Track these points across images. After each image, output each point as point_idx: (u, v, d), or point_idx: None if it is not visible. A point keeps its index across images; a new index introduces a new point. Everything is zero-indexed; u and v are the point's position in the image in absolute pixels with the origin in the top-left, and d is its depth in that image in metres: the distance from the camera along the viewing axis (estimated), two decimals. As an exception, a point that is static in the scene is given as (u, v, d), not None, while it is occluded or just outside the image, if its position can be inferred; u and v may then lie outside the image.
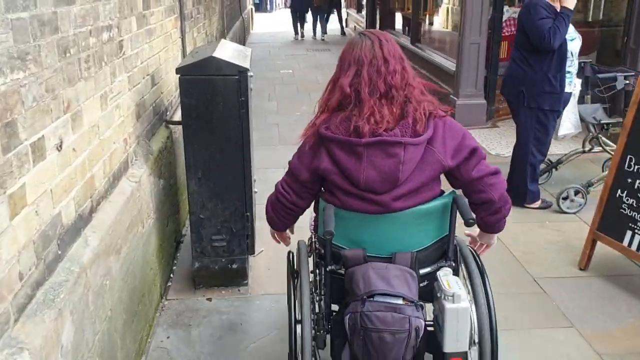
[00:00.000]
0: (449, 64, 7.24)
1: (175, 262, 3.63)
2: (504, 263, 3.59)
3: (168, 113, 3.94)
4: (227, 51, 3.24)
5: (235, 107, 3.00)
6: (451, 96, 6.79)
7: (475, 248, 2.31)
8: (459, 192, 2.09)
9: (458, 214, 2.05)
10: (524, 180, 4.30)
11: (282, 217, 2.26)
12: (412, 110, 1.97)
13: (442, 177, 2.09)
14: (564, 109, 4.22)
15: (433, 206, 2.05)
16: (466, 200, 2.03)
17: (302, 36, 15.84)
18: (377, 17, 12.22)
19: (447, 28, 8.08)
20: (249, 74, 3.01)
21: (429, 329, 2.01)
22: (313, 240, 2.37)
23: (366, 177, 1.96)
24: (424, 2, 9.30)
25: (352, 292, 1.96)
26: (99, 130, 2.39)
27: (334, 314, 2.17)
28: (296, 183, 2.14)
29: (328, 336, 2.16)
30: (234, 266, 3.22)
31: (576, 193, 4.25)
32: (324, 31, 15.64)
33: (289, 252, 2.48)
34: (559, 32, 3.89)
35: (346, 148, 1.98)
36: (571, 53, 4.06)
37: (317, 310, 2.20)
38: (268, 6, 28.63)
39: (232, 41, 9.58)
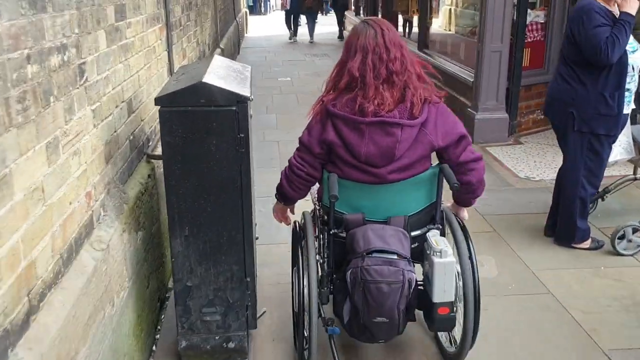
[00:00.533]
0: (465, 74, 6.58)
1: (159, 328, 2.94)
2: (564, 329, 2.92)
3: (150, 144, 3.26)
4: (221, 72, 2.55)
5: (232, 146, 2.32)
6: (468, 109, 6.14)
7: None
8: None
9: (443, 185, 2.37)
10: (572, 216, 3.63)
11: (297, 189, 2.45)
12: (410, 95, 2.23)
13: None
14: (620, 132, 3.56)
15: (423, 175, 2.34)
16: (450, 170, 2.31)
17: (295, 34, 15.42)
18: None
19: (460, 33, 7.43)
20: (250, 101, 2.34)
21: (420, 287, 2.36)
22: (317, 208, 2.59)
23: (367, 151, 2.24)
24: (432, 4, 8.64)
25: (353, 250, 2.24)
26: (43, 194, 1.71)
27: (336, 275, 2.42)
28: (309, 155, 2.37)
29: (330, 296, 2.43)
30: (231, 345, 2.54)
31: (634, 231, 3.59)
32: (311, 34, 15.21)
33: (294, 222, 2.68)
34: (618, 42, 3.24)
35: (351, 125, 2.25)
36: (632, 67, 3.40)
37: (320, 271, 2.44)
38: (262, 8, 27.94)
39: (227, 48, 8.94)
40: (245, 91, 2.36)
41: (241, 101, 2.30)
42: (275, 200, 2.63)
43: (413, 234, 2.40)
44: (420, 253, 2.41)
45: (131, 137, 2.81)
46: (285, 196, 2.54)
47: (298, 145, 2.41)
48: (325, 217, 2.44)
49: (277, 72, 10.53)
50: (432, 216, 2.46)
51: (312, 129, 2.36)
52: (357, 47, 2.26)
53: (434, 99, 2.29)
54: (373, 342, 2.42)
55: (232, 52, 10.74)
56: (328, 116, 2.30)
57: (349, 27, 16.67)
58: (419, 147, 2.27)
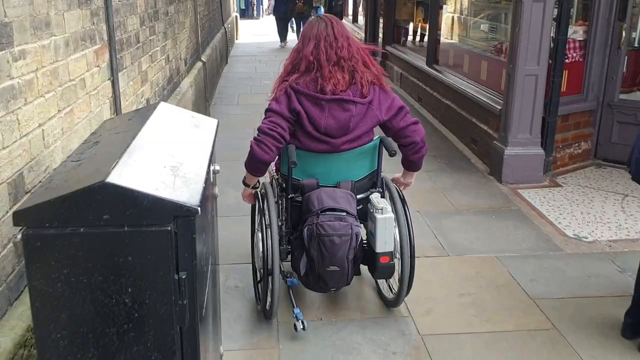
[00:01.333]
0: (487, 97, 5.52)
1: None
2: None
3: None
4: (153, 152, 1.47)
5: (165, 297, 1.24)
6: (495, 142, 5.08)
7: (400, 185, 3.01)
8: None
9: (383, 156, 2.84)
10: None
11: (269, 150, 2.59)
12: (358, 77, 2.66)
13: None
14: None
15: (367, 146, 2.78)
16: (390, 139, 2.77)
17: (285, 40, 14.52)
18: (380, 29, 10.48)
19: (480, 49, 6.38)
20: (214, 194, 1.26)
21: (364, 244, 2.81)
22: (276, 178, 2.94)
23: (326, 124, 2.64)
24: (444, 14, 7.59)
25: (309, 210, 2.64)
26: None
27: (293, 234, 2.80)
28: (280, 119, 2.63)
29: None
30: None
31: None
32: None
33: (255, 191, 2.91)
34: None
35: (313, 100, 2.63)
36: None
37: (279, 231, 2.76)
38: (255, 12, 26.86)
39: (211, 59, 7.75)
40: (193, 194, 1.27)
41: (184, 215, 1.22)
42: (244, 186, 2.85)
43: (358, 196, 2.79)
44: (365, 214, 2.81)
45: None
46: (257, 161, 2.64)
47: (267, 114, 2.66)
48: (284, 185, 2.78)
49: (268, 86, 9.40)
50: (374, 182, 2.90)
51: (280, 100, 2.65)
52: (310, 36, 2.67)
53: (377, 81, 2.71)
54: (326, 291, 2.85)
55: (219, 63, 9.64)
56: (293, 92, 2.63)
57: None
58: (367, 121, 2.68)
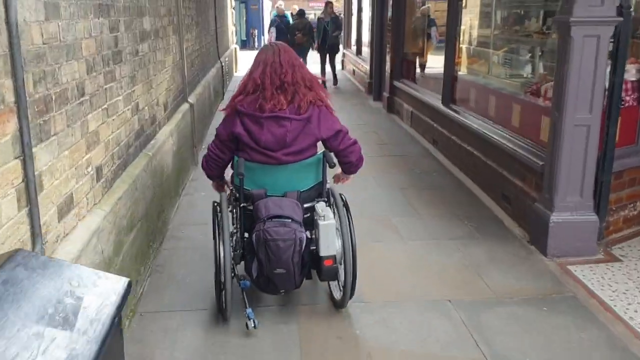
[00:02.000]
0: (524, 149, 4.61)
1: None
2: None
3: None
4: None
5: None
6: (536, 205, 4.15)
7: (340, 181, 3.43)
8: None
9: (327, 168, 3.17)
10: None
11: (213, 168, 3.21)
12: (298, 99, 3.00)
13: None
14: None
15: (310, 160, 3.11)
16: (331, 154, 3.13)
17: None
18: (387, 63, 9.63)
19: (510, 89, 5.50)
20: None
21: (313, 249, 3.01)
22: (231, 189, 3.28)
23: (265, 139, 2.98)
24: (461, 46, 6.74)
25: (257, 217, 2.92)
26: None
27: (245, 239, 3.09)
28: (220, 142, 3.12)
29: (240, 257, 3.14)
30: None
31: None
32: None
33: (213, 202, 3.31)
34: None
35: (253, 119, 2.99)
36: None
37: (234, 238, 3.14)
38: (255, 43, 26.27)
39: (201, 100, 6.72)
40: None
41: None
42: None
43: (305, 205, 3.11)
44: (312, 222, 3.09)
45: None
46: (207, 174, 3.29)
47: (215, 136, 3.16)
48: (237, 195, 3.11)
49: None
50: (319, 192, 3.23)
51: (226, 122, 3.11)
52: (259, 61, 3.08)
53: (318, 103, 3.06)
54: (276, 293, 3.13)
55: (213, 101, 8.79)
56: (237, 113, 3.03)
57: (348, 65, 14.84)
58: (306, 137, 3.04)
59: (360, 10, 14.64)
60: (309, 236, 3.02)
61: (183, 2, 6.23)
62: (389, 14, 9.43)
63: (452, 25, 6.63)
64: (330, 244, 2.97)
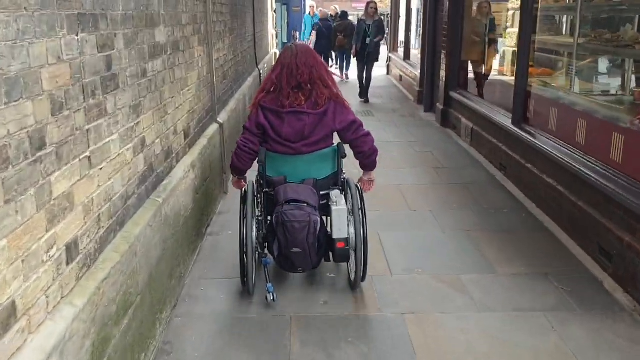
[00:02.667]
0: (633, 194, 3.59)
1: None
2: None
3: None
4: None
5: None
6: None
7: (362, 186, 3.63)
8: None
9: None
10: None
11: (243, 161, 3.47)
12: (315, 96, 3.33)
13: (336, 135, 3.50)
14: None
15: (326, 150, 3.44)
16: (344, 146, 3.47)
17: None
18: (442, 70, 8.60)
19: (610, 113, 4.45)
20: None
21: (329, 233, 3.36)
22: (258, 178, 3.54)
23: (286, 132, 3.33)
24: (536, 54, 5.69)
25: (277, 201, 3.26)
26: None
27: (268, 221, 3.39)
28: (250, 135, 3.42)
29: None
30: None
31: None
32: (346, 70, 14.32)
33: (243, 188, 3.61)
34: None
35: (274, 113, 3.35)
36: None
37: (259, 219, 3.45)
38: (298, 45, 25.49)
39: (234, 117, 5.94)
40: None
41: None
42: (232, 176, 3.71)
43: (322, 193, 3.42)
44: (327, 209, 3.39)
45: None
46: (236, 169, 3.55)
47: (243, 131, 3.47)
48: (262, 181, 3.47)
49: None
50: (335, 181, 3.53)
51: (251, 118, 3.44)
52: (279, 63, 3.42)
53: (334, 98, 3.37)
54: (295, 271, 3.40)
55: (247, 114, 7.96)
56: (261, 109, 3.38)
57: (394, 69, 13.81)
58: (323, 129, 3.36)
59: (409, 10, 13.62)
60: (324, 220, 3.36)
61: (214, 6, 5.41)
62: (445, 14, 8.41)
63: (525, 30, 5.60)
64: (342, 227, 3.27)
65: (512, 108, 5.79)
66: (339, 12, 14.50)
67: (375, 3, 11.06)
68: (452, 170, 6.24)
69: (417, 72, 10.77)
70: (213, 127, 5.04)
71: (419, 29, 11.84)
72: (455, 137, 7.86)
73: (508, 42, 6.80)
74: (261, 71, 9.75)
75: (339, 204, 3.28)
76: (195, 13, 4.52)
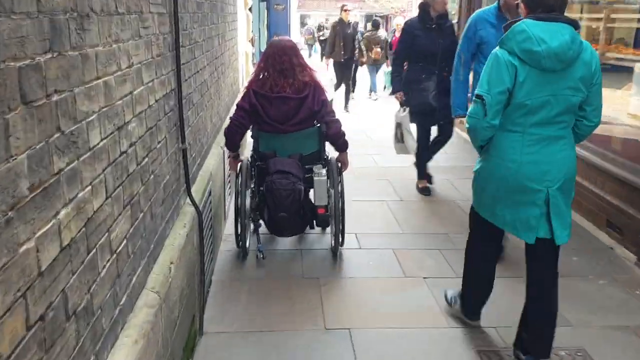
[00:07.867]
0: None
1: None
2: None
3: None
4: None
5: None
6: None
7: (340, 164, 4.09)
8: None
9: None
10: None
11: (235, 134, 3.90)
12: (297, 81, 3.80)
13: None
14: None
15: (310, 130, 3.92)
16: (324, 127, 3.93)
17: (353, 90, 11.64)
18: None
19: None
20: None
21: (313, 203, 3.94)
22: (252, 154, 4.05)
23: (274, 114, 3.79)
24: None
25: (267, 172, 3.70)
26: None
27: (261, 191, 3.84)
28: (243, 111, 3.83)
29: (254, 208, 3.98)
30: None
31: None
32: (374, 88, 12.26)
33: (236, 161, 4.10)
34: None
35: (264, 97, 3.79)
36: None
37: (252, 189, 3.96)
38: (309, 54, 23.50)
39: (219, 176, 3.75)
40: None
41: None
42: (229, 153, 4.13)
43: (307, 166, 3.88)
44: (311, 181, 3.84)
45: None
46: (231, 141, 3.97)
47: (236, 109, 3.87)
48: (255, 156, 3.98)
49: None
50: (319, 158, 4.01)
51: (244, 98, 3.85)
52: (266, 53, 3.93)
53: (312, 82, 3.85)
54: (283, 235, 4.03)
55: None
56: (252, 92, 3.81)
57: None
58: (305, 110, 3.81)
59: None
60: (308, 191, 3.85)
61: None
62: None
63: None
64: (322, 195, 3.80)
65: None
66: (372, 21, 11.98)
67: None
68: None
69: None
70: (182, 220, 3.00)
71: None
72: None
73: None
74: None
75: (320, 175, 3.80)
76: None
